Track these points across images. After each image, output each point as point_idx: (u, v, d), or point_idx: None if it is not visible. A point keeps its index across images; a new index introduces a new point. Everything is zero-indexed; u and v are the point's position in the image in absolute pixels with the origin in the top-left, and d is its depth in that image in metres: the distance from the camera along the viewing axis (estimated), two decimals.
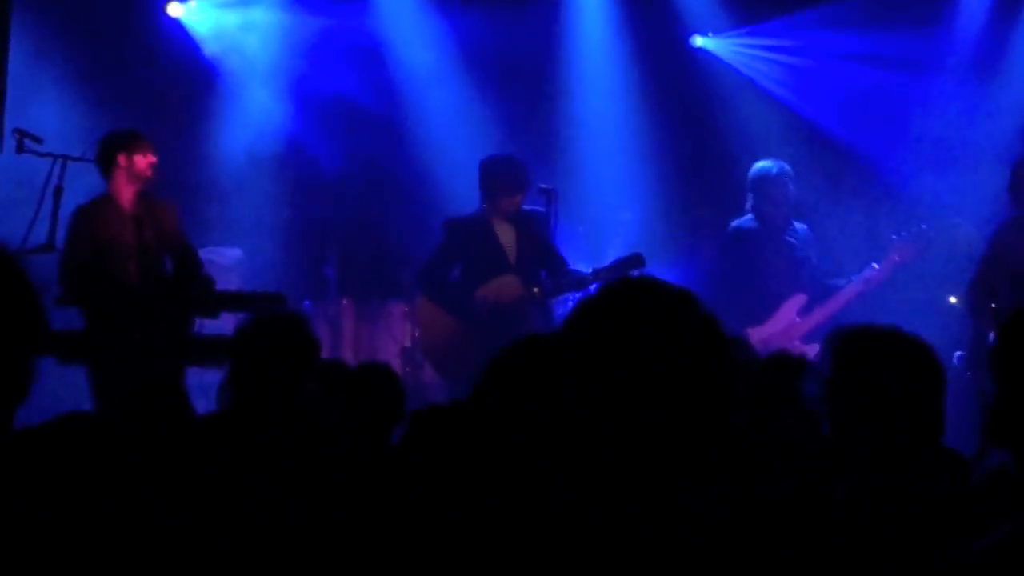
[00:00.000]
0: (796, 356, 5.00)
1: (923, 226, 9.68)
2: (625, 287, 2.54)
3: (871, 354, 3.59)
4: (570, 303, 9.81)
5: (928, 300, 10.08)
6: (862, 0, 11.08)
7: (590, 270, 9.32)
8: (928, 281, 10.12)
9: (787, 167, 9.70)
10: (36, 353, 2.59)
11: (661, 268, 9.89)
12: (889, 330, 3.66)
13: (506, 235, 9.38)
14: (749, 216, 9.77)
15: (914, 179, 11.10)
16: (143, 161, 8.55)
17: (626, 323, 2.44)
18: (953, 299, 10.51)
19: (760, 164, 9.76)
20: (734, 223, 9.84)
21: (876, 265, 9.64)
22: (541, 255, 9.46)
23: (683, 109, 11.94)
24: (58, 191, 8.57)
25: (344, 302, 10.64)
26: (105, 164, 8.55)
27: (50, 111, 10.30)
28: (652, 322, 2.44)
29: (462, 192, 10.47)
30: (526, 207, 9.52)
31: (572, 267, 9.49)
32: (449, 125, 11.67)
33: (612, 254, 9.77)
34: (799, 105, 11.76)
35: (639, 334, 2.42)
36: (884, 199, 11.14)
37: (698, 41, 12.01)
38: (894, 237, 9.70)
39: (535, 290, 9.29)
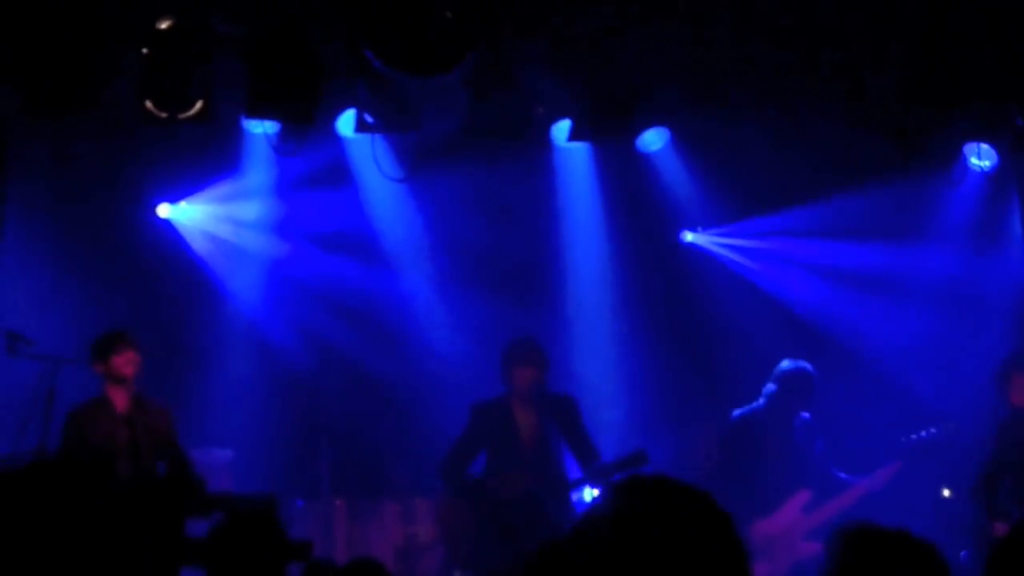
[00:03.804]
0: None
1: (932, 430, 9.52)
2: (641, 489, 2.48)
3: (877, 557, 3.45)
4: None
5: (922, 492, 10.01)
6: (849, 200, 11.19)
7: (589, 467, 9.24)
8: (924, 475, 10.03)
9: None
10: None
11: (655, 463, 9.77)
12: (895, 532, 3.50)
13: (525, 419, 9.26)
14: (759, 405, 9.57)
15: (902, 374, 11.15)
16: (121, 361, 8.54)
17: (645, 528, 2.38)
18: (946, 492, 10.46)
19: (797, 362, 9.57)
20: (739, 413, 9.64)
21: (881, 468, 9.50)
22: (568, 441, 9.29)
23: (675, 305, 11.97)
24: (50, 394, 8.54)
25: (337, 502, 10.51)
26: (94, 372, 8.57)
27: (42, 312, 10.25)
28: (673, 526, 2.39)
29: (452, 388, 10.48)
30: (556, 391, 9.42)
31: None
32: (438, 320, 11.69)
33: (604, 451, 9.65)
34: (789, 297, 11.81)
35: (660, 540, 2.37)
36: (872, 392, 11.13)
37: (688, 236, 12.14)
38: (903, 440, 9.57)
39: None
